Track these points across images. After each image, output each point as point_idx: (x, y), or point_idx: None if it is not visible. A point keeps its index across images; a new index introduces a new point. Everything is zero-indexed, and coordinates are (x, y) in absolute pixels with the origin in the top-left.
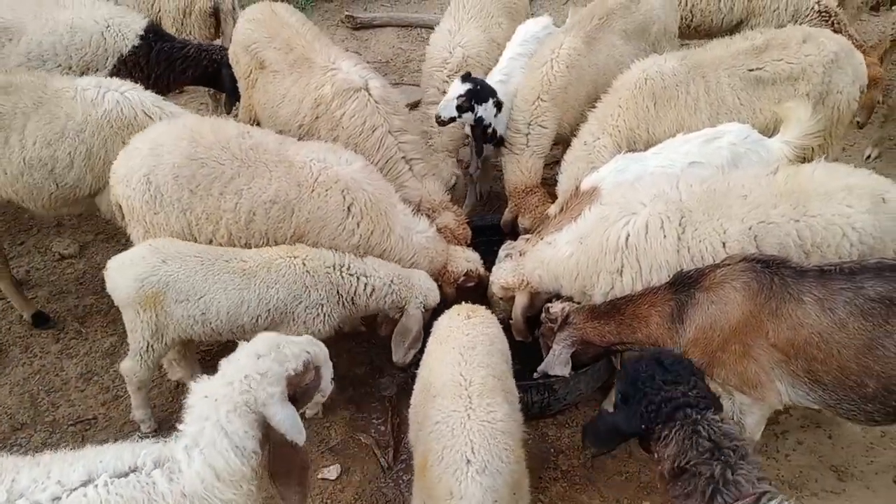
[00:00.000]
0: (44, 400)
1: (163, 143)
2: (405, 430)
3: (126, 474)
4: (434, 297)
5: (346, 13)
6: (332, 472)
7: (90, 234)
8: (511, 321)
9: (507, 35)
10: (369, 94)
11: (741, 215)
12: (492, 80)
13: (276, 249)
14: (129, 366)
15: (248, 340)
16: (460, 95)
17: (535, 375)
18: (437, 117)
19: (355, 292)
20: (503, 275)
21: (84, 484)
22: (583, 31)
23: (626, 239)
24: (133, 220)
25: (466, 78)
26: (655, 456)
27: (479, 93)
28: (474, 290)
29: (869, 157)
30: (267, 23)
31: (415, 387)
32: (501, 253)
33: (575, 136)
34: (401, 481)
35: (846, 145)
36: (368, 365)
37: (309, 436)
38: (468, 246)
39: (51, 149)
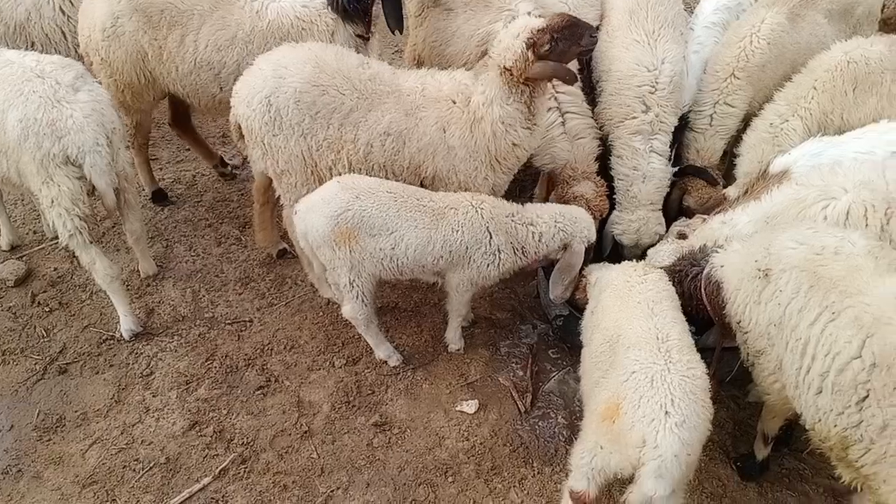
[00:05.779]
0: (204, 297)
1: (286, 65)
2: (542, 378)
3: None
4: (593, 231)
5: None
6: (470, 406)
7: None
8: None
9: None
10: None
11: None
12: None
13: (463, 195)
14: (347, 309)
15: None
16: None
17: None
18: None
19: (526, 241)
20: (662, 260)
21: None
22: (786, 7)
23: (824, 223)
24: (252, 142)
25: None
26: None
27: None
28: None
29: None
30: None
31: (590, 338)
32: (673, 228)
33: (758, 116)
34: (537, 427)
35: None
36: (510, 311)
37: (448, 369)
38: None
39: (220, 54)
